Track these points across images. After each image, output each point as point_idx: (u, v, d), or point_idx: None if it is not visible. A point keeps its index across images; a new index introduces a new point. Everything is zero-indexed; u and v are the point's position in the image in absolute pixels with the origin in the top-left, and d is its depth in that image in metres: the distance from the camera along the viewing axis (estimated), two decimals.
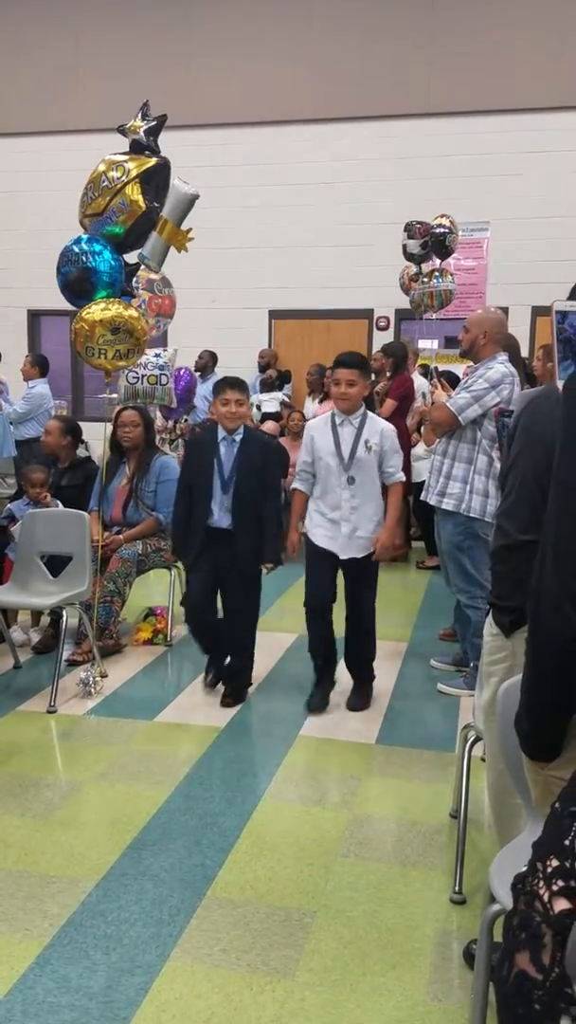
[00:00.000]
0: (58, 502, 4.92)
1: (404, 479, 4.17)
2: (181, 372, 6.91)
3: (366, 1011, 2.22)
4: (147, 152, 4.39)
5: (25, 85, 10.31)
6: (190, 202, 4.48)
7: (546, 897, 1.23)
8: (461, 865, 2.74)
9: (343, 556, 4.11)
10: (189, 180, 8.07)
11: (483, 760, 3.41)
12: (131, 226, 4.29)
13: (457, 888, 2.71)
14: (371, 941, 2.50)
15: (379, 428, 4.11)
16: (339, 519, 4.09)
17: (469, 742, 2.85)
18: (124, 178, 4.23)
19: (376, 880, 2.80)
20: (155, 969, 2.36)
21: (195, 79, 9.80)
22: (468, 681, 4.34)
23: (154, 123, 4.44)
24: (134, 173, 4.25)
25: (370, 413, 4.16)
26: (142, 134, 4.39)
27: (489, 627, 2.45)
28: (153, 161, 4.35)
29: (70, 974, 2.34)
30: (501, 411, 3.74)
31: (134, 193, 4.24)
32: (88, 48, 10.08)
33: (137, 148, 4.40)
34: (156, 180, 4.34)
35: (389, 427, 4.16)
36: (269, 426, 7.66)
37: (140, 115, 4.46)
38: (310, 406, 8.56)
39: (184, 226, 4.84)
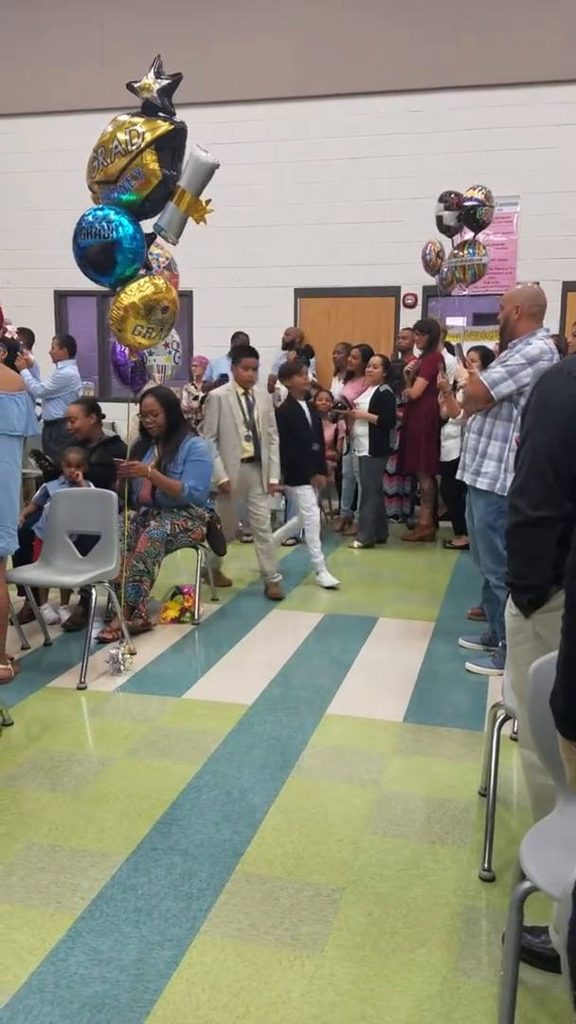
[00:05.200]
0: (90, 483, 4.95)
1: None
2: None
3: (395, 986, 2.23)
4: (161, 115, 4.09)
5: (48, 65, 10.27)
6: (210, 171, 4.17)
7: None
8: (490, 843, 2.74)
9: None
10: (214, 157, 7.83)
11: (512, 739, 3.41)
12: (147, 195, 4.07)
13: (486, 866, 2.71)
14: (400, 917, 2.50)
15: None
16: None
17: (498, 721, 2.83)
18: (139, 144, 3.94)
19: (405, 857, 2.80)
20: (185, 943, 2.39)
21: (218, 55, 9.70)
22: (496, 660, 4.32)
23: (168, 82, 4.09)
24: (149, 138, 3.96)
25: None
26: (155, 94, 4.07)
27: (509, 608, 2.43)
28: (169, 126, 4.05)
29: (101, 947, 2.37)
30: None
31: (150, 161, 3.99)
32: (112, 27, 10.01)
33: (150, 109, 4.10)
34: (172, 145, 4.06)
35: None
36: None
37: (153, 73, 4.11)
38: (336, 385, 8.51)
39: (204, 197, 4.59)
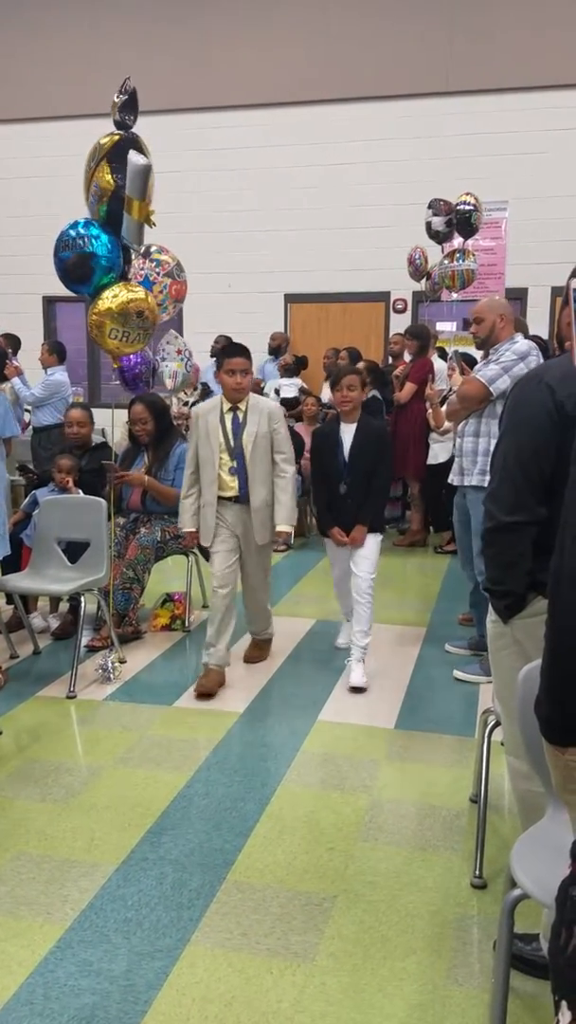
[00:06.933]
0: (79, 491, 4.93)
1: None
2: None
3: (387, 995, 2.22)
4: (123, 129, 4.27)
5: (36, 70, 10.28)
6: (144, 172, 4.22)
7: None
8: (481, 850, 2.73)
9: None
10: (204, 162, 7.91)
11: (503, 745, 3.40)
12: (108, 206, 4.21)
13: (477, 873, 2.70)
14: (391, 926, 2.49)
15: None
16: None
17: (489, 727, 2.83)
18: (98, 157, 4.16)
19: (396, 865, 2.79)
20: (175, 953, 2.37)
21: (208, 61, 9.72)
22: (484, 666, 4.31)
23: (125, 98, 4.26)
24: (102, 152, 4.17)
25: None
26: (117, 112, 4.26)
27: (490, 614, 2.45)
28: (116, 137, 4.23)
29: (91, 958, 2.35)
30: None
31: (104, 173, 4.17)
32: (101, 32, 10.02)
33: (120, 126, 4.29)
34: (124, 157, 4.22)
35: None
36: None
37: (118, 93, 4.29)
38: (326, 391, 8.52)
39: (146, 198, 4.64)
